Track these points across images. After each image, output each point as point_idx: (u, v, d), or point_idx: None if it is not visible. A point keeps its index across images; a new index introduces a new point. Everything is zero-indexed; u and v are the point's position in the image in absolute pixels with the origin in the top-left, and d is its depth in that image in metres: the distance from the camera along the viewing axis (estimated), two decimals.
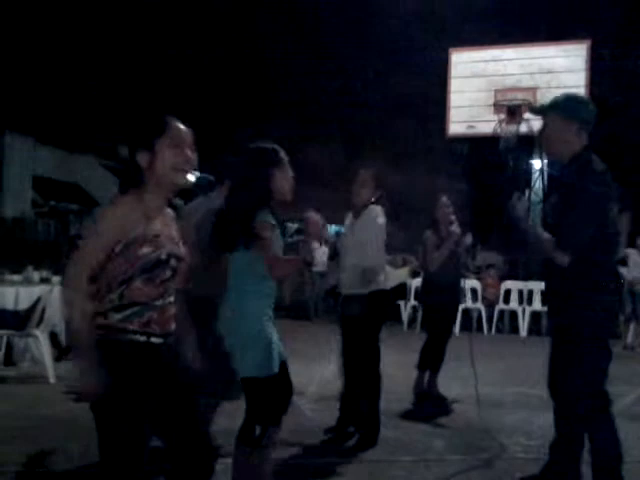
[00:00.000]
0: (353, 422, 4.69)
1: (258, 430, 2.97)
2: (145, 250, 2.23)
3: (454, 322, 6.24)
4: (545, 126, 3.32)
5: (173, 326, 2.39)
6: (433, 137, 14.72)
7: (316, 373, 6.39)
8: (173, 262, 2.32)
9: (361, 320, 4.51)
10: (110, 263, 2.23)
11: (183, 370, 2.45)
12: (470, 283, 10.30)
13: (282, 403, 3.09)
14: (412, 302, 11.20)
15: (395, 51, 15.06)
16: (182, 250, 2.39)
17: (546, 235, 3.17)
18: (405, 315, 11.36)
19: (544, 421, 4.92)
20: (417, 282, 10.79)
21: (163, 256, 2.27)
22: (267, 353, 2.96)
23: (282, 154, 3.17)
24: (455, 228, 5.69)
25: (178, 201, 4.50)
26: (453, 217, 5.75)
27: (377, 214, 4.52)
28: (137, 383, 2.24)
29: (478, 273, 11.40)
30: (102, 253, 2.21)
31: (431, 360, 5.75)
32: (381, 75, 15.81)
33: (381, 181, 4.66)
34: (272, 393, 2.99)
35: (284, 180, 3.13)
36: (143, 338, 2.26)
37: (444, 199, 5.85)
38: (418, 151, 16.77)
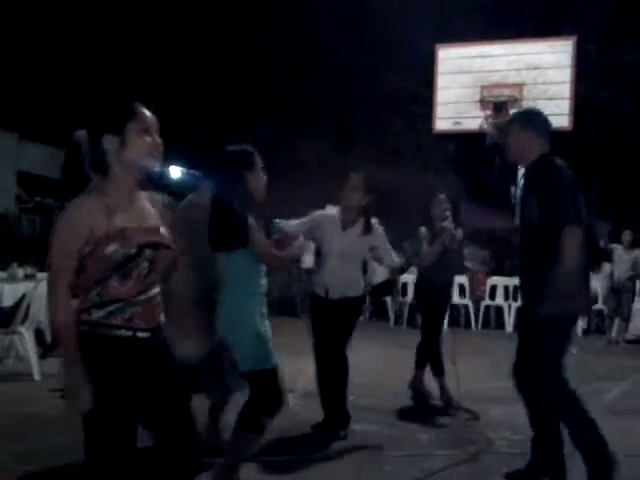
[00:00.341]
0: (340, 423, 4.69)
1: (262, 418, 3.21)
2: (112, 248, 2.17)
3: (444, 318, 6.14)
4: (508, 136, 3.76)
5: (161, 317, 2.36)
6: (421, 134, 14.76)
7: (303, 368, 6.38)
8: (148, 253, 2.25)
9: (343, 320, 4.68)
10: (83, 264, 2.19)
11: (175, 363, 2.40)
12: (458, 279, 10.31)
13: (282, 393, 3.29)
14: (400, 299, 11.21)
15: (384, 47, 15.06)
16: (162, 236, 2.31)
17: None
18: (391, 311, 11.37)
19: (526, 415, 4.97)
20: (404, 279, 10.83)
21: (132, 250, 2.20)
22: (265, 348, 3.23)
23: (254, 156, 3.35)
24: (449, 224, 5.63)
25: (167, 197, 4.50)
26: (448, 214, 5.71)
27: (378, 227, 4.75)
28: (123, 379, 2.22)
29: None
30: (71, 258, 2.17)
31: (425, 357, 5.72)
32: (370, 71, 15.79)
33: (371, 185, 4.71)
34: (273, 384, 3.24)
35: (256, 181, 3.33)
36: (129, 333, 2.24)
37: (441, 196, 5.80)
38: (406, 148, 16.79)
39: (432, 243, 5.63)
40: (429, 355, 5.68)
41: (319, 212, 4.82)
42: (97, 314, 2.22)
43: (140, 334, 2.26)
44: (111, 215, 2.19)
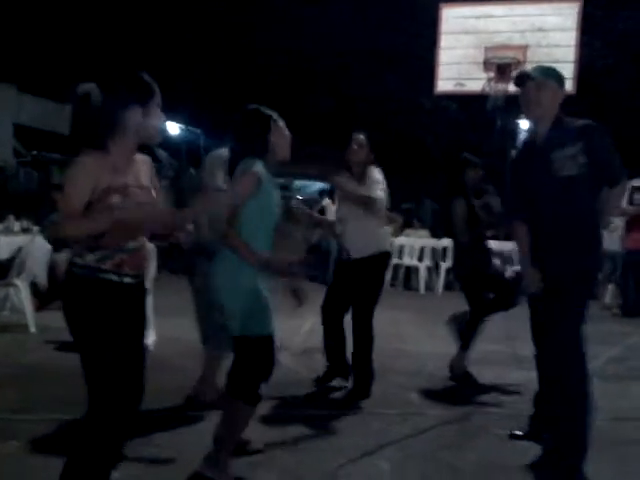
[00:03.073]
0: (340, 374, 4.82)
1: (256, 386, 3.10)
2: (115, 199, 2.37)
3: (490, 289, 5.33)
4: (529, 91, 3.40)
5: (145, 266, 2.62)
6: (421, 94, 14.59)
7: (298, 327, 6.45)
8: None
9: (366, 281, 4.65)
10: (87, 211, 2.35)
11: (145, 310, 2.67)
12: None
13: (274, 360, 3.19)
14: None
15: (385, 6, 14.82)
16: (153, 196, 2.56)
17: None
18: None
19: (518, 377, 5.04)
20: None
21: (130, 204, 2.41)
22: (267, 313, 3.12)
23: (276, 116, 3.33)
24: (493, 199, 5.22)
25: (162, 152, 4.52)
26: (489, 187, 5.34)
27: (379, 176, 4.64)
28: (114, 319, 2.41)
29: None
30: (81, 203, 2.33)
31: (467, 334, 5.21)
32: (369, 29, 15.54)
33: (372, 144, 4.75)
34: (269, 350, 3.13)
35: (281, 138, 3.30)
36: (116, 277, 2.43)
37: (476, 160, 5.32)
38: (406, 108, 16.66)
39: (471, 217, 5.17)
40: (468, 327, 5.18)
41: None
42: (89, 257, 2.39)
43: (127, 280, 2.46)
44: (115, 172, 2.41)
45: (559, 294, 3.30)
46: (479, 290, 5.23)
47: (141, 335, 2.60)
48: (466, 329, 5.18)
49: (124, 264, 2.44)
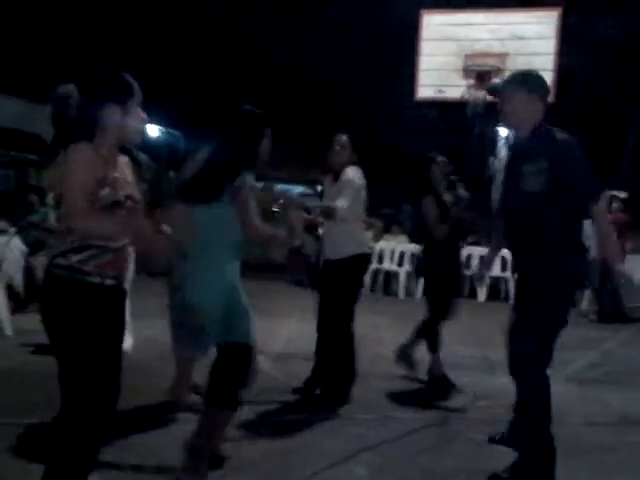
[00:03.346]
0: (321, 384, 4.78)
1: (235, 392, 3.09)
2: (106, 191, 2.38)
3: (457, 292, 5.44)
4: (506, 101, 3.42)
5: (126, 267, 2.60)
6: (402, 99, 14.65)
7: (277, 331, 6.43)
8: (129, 204, 2.48)
9: (343, 283, 4.63)
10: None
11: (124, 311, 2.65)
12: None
13: (254, 366, 3.18)
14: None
15: (364, 7, 14.87)
16: (137, 193, 2.57)
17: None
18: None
19: (497, 383, 5.07)
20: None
21: (120, 197, 2.43)
22: (248, 318, 3.12)
23: (266, 119, 3.34)
24: (462, 192, 5.23)
25: (142, 155, 4.51)
26: (454, 177, 5.28)
27: (356, 175, 4.61)
28: (94, 322, 2.39)
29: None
30: (83, 193, 2.33)
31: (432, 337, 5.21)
32: (348, 31, 15.59)
33: (354, 145, 4.74)
34: (250, 357, 3.13)
35: (267, 144, 3.33)
36: (97, 280, 2.41)
37: (440, 159, 5.28)
38: (387, 113, 16.72)
39: (442, 214, 5.11)
40: (429, 330, 5.21)
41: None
42: (73, 258, 2.38)
43: (108, 282, 2.45)
44: (106, 165, 2.43)
45: (525, 300, 3.38)
46: (444, 290, 5.21)
47: (120, 338, 2.58)
48: (428, 334, 5.19)
49: (108, 265, 2.43)
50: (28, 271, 6.87)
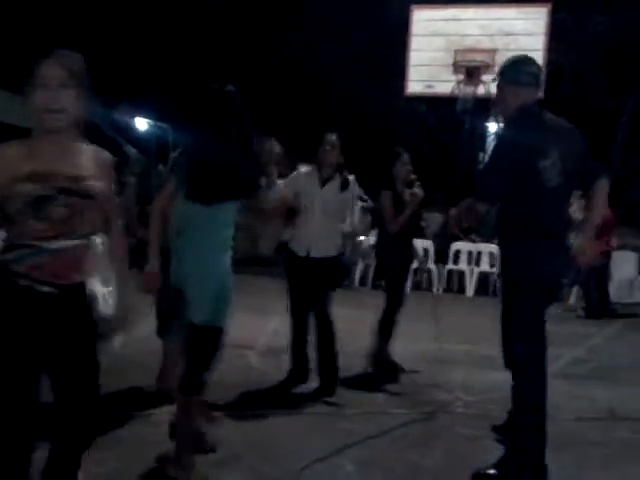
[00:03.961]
0: (302, 379, 4.81)
1: (200, 375, 3.09)
2: (28, 187, 2.17)
3: (406, 282, 5.81)
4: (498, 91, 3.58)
5: (77, 276, 2.34)
6: (392, 96, 14.65)
7: (263, 326, 6.42)
8: (63, 199, 2.22)
9: (325, 280, 4.71)
10: (3, 202, 2.20)
11: (88, 322, 2.41)
12: (423, 243, 10.34)
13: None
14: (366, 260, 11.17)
15: (356, 5, 14.84)
16: (84, 186, 2.27)
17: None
18: (357, 273, 11.34)
19: (485, 378, 5.09)
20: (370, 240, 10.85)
21: (46, 192, 2.19)
22: (228, 304, 3.11)
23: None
24: (418, 190, 5.38)
25: (131, 149, 4.43)
26: (414, 176, 5.46)
27: (355, 184, 4.84)
28: (18, 328, 2.21)
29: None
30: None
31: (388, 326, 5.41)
32: (341, 29, 15.56)
33: (343, 145, 4.83)
34: (220, 341, 3.12)
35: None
36: (25, 282, 2.21)
37: (404, 156, 5.48)
38: (377, 109, 16.69)
39: (397, 207, 5.33)
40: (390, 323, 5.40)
41: (296, 172, 4.90)
42: (6, 257, 2.23)
43: (40, 287, 2.23)
44: (31, 158, 2.22)
45: (510, 292, 3.43)
46: (400, 279, 5.48)
47: (50, 350, 2.30)
48: (384, 323, 5.35)
49: (44, 268, 2.22)
50: None
